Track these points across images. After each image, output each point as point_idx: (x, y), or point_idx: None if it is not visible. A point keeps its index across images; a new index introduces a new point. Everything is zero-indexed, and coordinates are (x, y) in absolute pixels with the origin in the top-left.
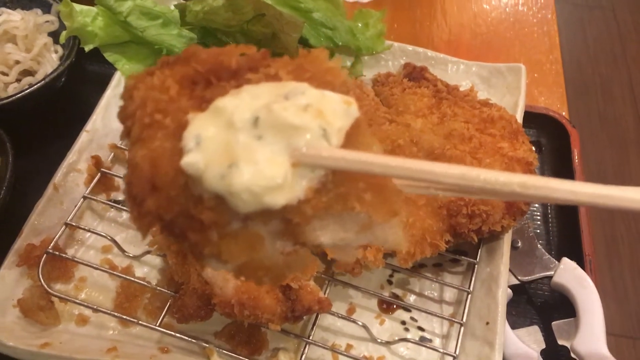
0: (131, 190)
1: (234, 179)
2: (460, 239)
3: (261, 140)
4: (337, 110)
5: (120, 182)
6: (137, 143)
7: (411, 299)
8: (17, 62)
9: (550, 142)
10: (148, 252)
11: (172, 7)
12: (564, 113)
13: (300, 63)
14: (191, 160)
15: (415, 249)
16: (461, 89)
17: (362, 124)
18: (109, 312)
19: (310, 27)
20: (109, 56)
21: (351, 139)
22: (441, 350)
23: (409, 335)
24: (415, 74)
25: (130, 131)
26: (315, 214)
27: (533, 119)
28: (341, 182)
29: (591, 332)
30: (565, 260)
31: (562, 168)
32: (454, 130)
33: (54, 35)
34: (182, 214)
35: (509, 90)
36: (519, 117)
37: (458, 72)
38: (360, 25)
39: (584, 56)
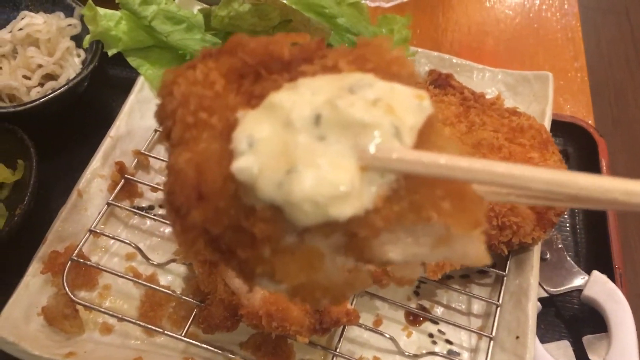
0: (173, 200)
1: (293, 187)
2: (489, 251)
3: (324, 141)
4: (408, 105)
5: (143, 189)
6: (180, 146)
7: (438, 311)
8: (40, 66)
9: (577, 152)
10: (173, 260)
11: (196, 12)
12: (590, 121)
13: (361, 52)
14: (243, 164)
15: (445, 261)
16: (487, 96)
17: (436, 121)
18: (133, 321)
19: (335, 32)
20: (132, 61)
21: (424, 139)
22: None
23: (436, 349)
24: (440, 81)
25: (171, 132)
26: (385, 226)
27: (559, 127)
28: (415, 189)
29: (624, 348)
30: (595, 273)
31: None
32: (483, 140)
33: (77, 39)
34: (231, 227)
35: (536, 98)
36: (547, 126)
37: (484, 80)
38: (384, 31)
39: (596, 60)
